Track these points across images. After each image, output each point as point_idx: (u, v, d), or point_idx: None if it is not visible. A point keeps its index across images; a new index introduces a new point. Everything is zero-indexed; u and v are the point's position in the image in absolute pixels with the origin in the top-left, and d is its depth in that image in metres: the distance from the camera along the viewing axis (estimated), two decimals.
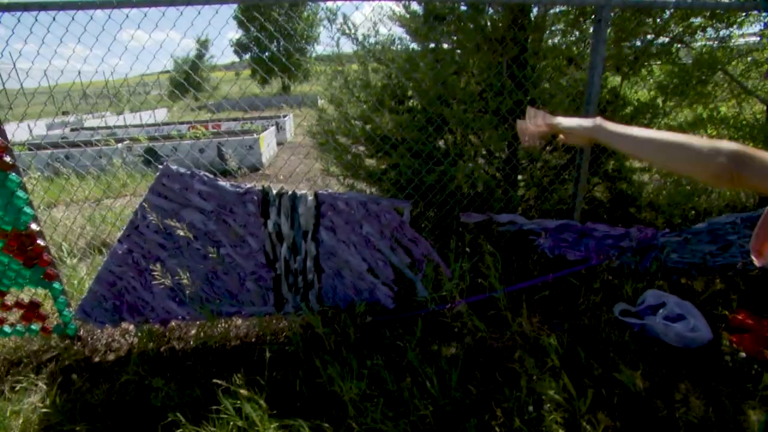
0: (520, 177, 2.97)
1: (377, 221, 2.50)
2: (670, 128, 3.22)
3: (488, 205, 2.85)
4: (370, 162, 3.31)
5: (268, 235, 2.38)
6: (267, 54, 23.21)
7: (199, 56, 26.52)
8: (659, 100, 3.00)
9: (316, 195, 2.38)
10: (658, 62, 3.02)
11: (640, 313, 2.70)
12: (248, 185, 2.31)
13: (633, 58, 2.72)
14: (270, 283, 2.48)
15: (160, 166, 2.27)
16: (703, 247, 3.11)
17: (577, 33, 2.74)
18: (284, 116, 11.35)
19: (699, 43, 3.32)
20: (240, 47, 27.76)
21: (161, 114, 18.35)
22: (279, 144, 10.14)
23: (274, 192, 2.33)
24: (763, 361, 2.33)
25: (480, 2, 2.46)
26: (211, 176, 2.27)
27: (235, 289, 2.46)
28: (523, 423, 1.89)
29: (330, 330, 2.38)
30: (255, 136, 7.98)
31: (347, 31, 2.79)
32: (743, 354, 2.39)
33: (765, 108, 3.55)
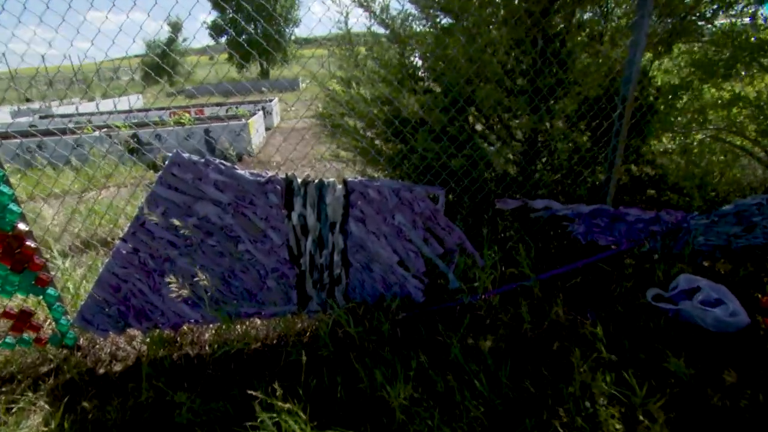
0: (550, 160, 2.82)
1: (410, 210, 2.31)
2: (702, 107, 3.13)
3: (518, 189, 2.71)
4: (379, 143, 3.11)
5: (292, 228, 2.17)
6: (244, 37, 22.32)
7: (171, 40, 25.35)
8: (694, 79, 2.89)
9: (345, 183, 2.17)
10: (690, 42, 2.90)
11: (674, 298, 2.62)
12: (270, 173, 2.08)
13: (668, 36, 2.58)
14: (293, 280, 2.27)
15: (150, 155, 2.01)
16: (728, 228, 3.06)
17: (623, 7, 2.57)
18: (271, 101, 10.91)
19: (721, 22, 3.22)
20: (215, 30, 26.60)
21: (135, 100, 17.48)
22: (267, 129, 9.75)
23: (299, 180, 2.11)
24: None
25: None
26: (228, 164, 2.03)
27: (255, 289, 2.25)
28: (583, 421, 1.78)
29: (363, 329, 2.21)
30: (243, 121, 7.60)
31: (363, 3, 2.54)
32: None
33: None
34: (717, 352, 2.28)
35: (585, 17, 2.64)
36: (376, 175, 3.28)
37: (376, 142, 3.07)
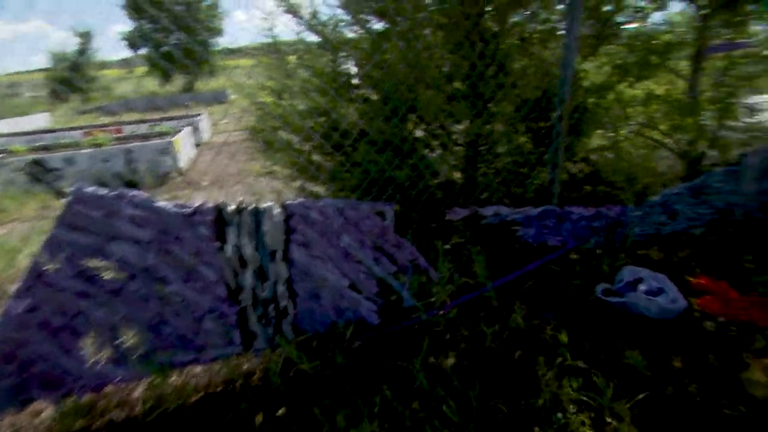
0: (494, 165, 2.81)
1: (357, 229, 2.16)
2: (621, 103, 3.30)
3: (467, 197, 2.66)
4: (317, 158, 2.94)
5: (227, 261, 1.93)
6: (165, 48, 20.98)
7: (81, 51, 23.22)
8: (614, 79, 3.02)
9: (284, 207, 1.97)
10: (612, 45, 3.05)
11: (620, 290, 2.70)
12: (197, 203, 1.83)
13: (594, 39, 2.68)
14: (234, 318, 2.03)
15: (60, 183, 1.70)
16: (657, 218, 3.25)
17: (549, 10, 2.61)
18: (198, 115, 10.24)
19: (634, 26, 3.44)
20: (132, 41, 24.72)
21: (41, 120, 15.70)
22: (196, 145, 9.12)
23: (232, 208, 1.88)
24: (740, 323, 2.45)
25: None
26: (146, 196, 1.76)
27: (191, 333, 1.98)
28: None
29: (318, 364, 2.02)
30: (168, 139, 7.02)
31: (291, 9, 2.37)
32: (722, 319, 2.49)
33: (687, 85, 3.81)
34: (663, 338, 2.36)
35: (516, 20, 2.67)
36: (316, 190, 3.10)
37: (314, 156, 2.89)
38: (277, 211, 1.96)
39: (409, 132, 2.72)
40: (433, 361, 2.23)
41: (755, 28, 3.72)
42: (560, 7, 2.87)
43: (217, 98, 17.92)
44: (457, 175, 2.82)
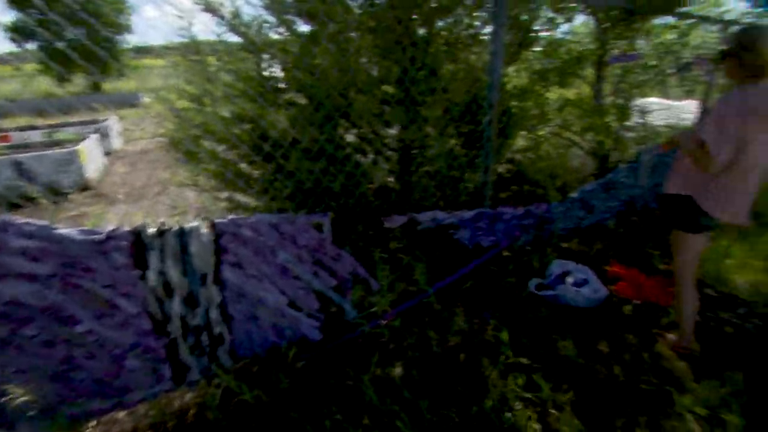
0: (428, 169, 2.84)
1: (294, 244, 2.05)
2: (540, 106, 3.52)
3: (403, 203, 2.66)
4: (246, 168, 2.77)
5: (150, 290, 1.72)
6: (59, 44, 18.65)
7: None
8: (533, 84, 3.22)
9: (213, 225, 1.81)
10: (531, 51, 3.23)
11: (551, 284, 2.87)
12: (110, 228, 1.61)
13: (517, 46, 2.82)
14: (162, 352, 1.82)
15: None
16: (577, 212, 3.52)
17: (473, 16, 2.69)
18: (104, 120, 9.23)
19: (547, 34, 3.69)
20: (18, 33, 21.61)
21: None
22: (106, 154, 8.20)
23: (153, 231, 1.68)
24: (650, 304, 2.72)
25: None
26: (42, 223, 1.50)
27: (110, 375, 1.74)
28: None
29: (260, 391, 1.88)
30: (72, 147, 6.22)
31: (211, 7, 2.19)
32: (637, 301, 2.75)
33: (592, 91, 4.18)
34: (590, 326, 2.55)
35: (443, 25, 2.72)
36: (246, 201, 2.91)
37: (243, 166, 2.71)
38: (205, 230, 1.79)
39: (342, 138, 2.66)
40: (381, 373, 2.19)
41: (640, 42, 4.18)
42: (483, 14, 2.99)
43: (128, 101, 16.23)
44: (393, 180, 2.82)
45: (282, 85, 2.73)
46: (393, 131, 2.89)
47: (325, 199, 2.35)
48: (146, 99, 15.55)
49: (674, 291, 2.25)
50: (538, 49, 3.52)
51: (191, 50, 2.60)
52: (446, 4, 2.41)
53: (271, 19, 2.73)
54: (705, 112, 2.14)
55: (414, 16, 2.35)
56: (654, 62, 3.99)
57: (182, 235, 1.74)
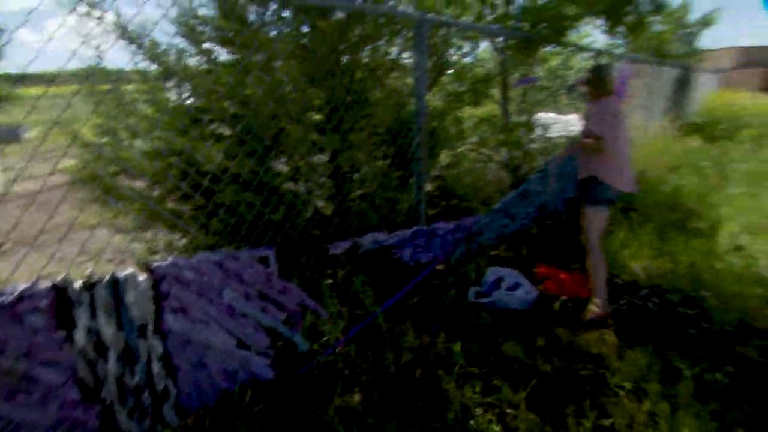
0: (365, 192, 2.89)
1: (239, 281, 1.95)
2: (459, 123, 3.80)
3: (345, 228, 2.67)
4: (174, 205, 2.59)
5: (79, 353, 1.51)
6: None
7: None
8: (451, 105, 3.48)
9: (150, 270, 1.65)
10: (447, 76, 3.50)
11: (487, 291, 3.07)
12: (23, 286, 1.39)
13: (437, 71, 3.03)
14: (95, 423, 1.59)
15: None
16: (501, 221, 3.82)
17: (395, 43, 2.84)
18: None
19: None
20: None
21: None
22: None
23: (79, 284, 1.49)
24: (574, 298, 3.03)
25: (322, 4, 2.20)
26: None
27: None
28: None
29: None
30: None
31: (127, 35, 2.04)
32: (564, 297, 3.05)
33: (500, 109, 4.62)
34: (528, 325, 2.76)
35: (369, 53, 2.83)
36: (172, 239, 2.70)
37: (170, 203, 2.52)
38: (141, 277, 1.62)
39: (278, 168, 2.61)
40: (341, 402, 2.14)
41: (536, 68, 4.76)
42: (401, 41, 3.18)
43: (7, 136, 13.49)
44: (332, 207, 2.82)
45: (210, 116, 2.61)
46: (326, 158, 2.91)
47: (269, 232, 2.28)
48: (32, 133, 13.48)
49: (589, 261, 2.79)
50: (451, 72, 3.82)
51: (101, 78, 2.38)
52: (371, 33, 2.53)
53: (189, 46, 2.62)
54: (585, 119, 2.76)
55: (341, 46, 2.42)
56: (547, 84, 4.55)
57: (115, 284, 1.56)
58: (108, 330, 1.56)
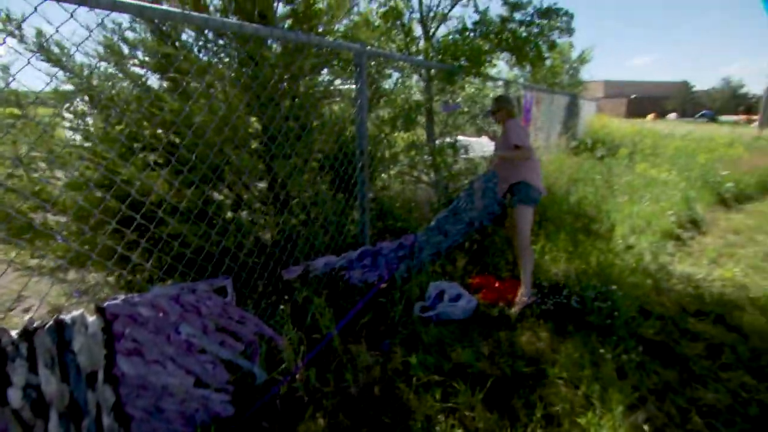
0: (314, 215, 2.91)
1: (197, 314, 1.86)
2: (391, 150, 4.00)
3: (297, 253, 2.66)
4: (106, 239, 2.38)
5: (12, 416, 1.33)
6: None
7: None
8: (385, 130, 3.67)
9: (101, 310, 1.51)
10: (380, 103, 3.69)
11: (432, 304, 3.23)
12: None
13: (372, 99, 3.19)
14: None
15: None
16: (437, 238, 4.05)
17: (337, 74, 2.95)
18: None
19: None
20: None
21: None
22: None
23: (14, 335, 1.32)
24: (508, 303, 3.31)
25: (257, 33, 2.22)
26: None
27: None
28: None
29: None
30: None
31: (56, 58, 1.88)
32: (501, 304, 3.31)
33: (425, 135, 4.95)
34: (472, 332, 2.96)
35: (310, 80, 2.91)
36: (102, 279, 2.46)
37: (102, 238, 2.31)
38: (91, 319, 1.48)
39: (222, 196, 2.54)
40: (306, 429, 2.11)
41: (456, 95, 5.20)
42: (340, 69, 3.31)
43: None
44: (284, 233, 2.80)
45: (142, 144, 2.47)
46: (274, 184, 2.89)
47: (227, 261, 2.20)
48: None
49: (519, 255, 3.27)
50: (384, 99, 4.04)
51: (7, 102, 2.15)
52: (315, 64, 2.62)
53: (114, 71, 2.48)
54: (502, 137, 3.33)
55: (285, 75, 2.47)
56: (467, 109, 5.00)
57: (60, 330, 1.41)
58: (50, 384, 1.40)
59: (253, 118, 2.68)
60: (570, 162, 8.33)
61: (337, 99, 3.11)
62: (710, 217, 5.99)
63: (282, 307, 2.48)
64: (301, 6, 2.63)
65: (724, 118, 46.55)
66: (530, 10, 4.19)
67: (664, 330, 2.99)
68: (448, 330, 2.97)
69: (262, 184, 2.93)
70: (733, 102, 50.19)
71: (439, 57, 3.97)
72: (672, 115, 49.42)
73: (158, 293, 1.69)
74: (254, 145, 2.75)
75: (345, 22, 3.78)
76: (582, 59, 13.24)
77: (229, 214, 2.53)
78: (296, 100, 2.73)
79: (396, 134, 4.05)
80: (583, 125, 14.97)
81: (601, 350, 2.61)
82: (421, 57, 3.90)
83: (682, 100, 54.32)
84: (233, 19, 2.47)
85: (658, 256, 4.26)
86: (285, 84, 2.53)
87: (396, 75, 4.24)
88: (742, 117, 41.31)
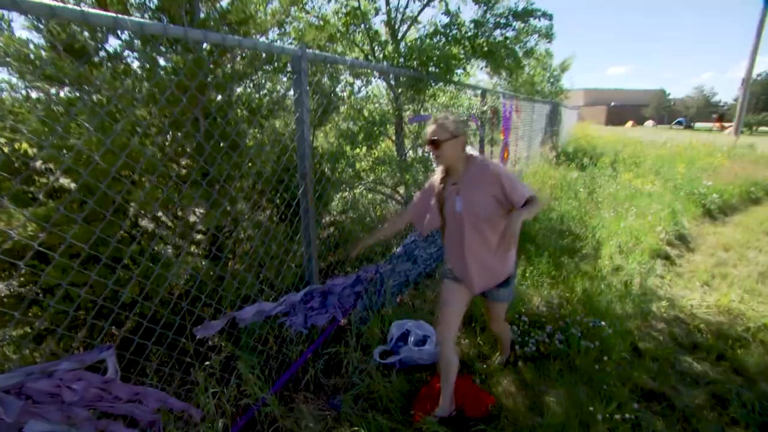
0: (245, 250, 2.44)
1: (58, 404, 1.38)
2: (353, 167, 3.56)
3: (220, 297, 2.19)
4: None
5: None
6: None
7: None
8: (347, 147, 3.23)
9: None
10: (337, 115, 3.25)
11: (394, 348, 2.78)
12: None
13: (322, 111, 2.76)
14: None
15: None
16: (404, 266, 3.62)
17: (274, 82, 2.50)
18: None
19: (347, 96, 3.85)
20: None
21: None
22: None
23: None
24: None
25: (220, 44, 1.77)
26: None
27: None
28: None
29: None
30: None
31: None
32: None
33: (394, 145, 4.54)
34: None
35: (242, 91, 2.46)
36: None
37: None
38: None
39: (133, 229, 2.06)
40: None
41: (428, 105, 4.81)
42: (284, 78, 2.87)
43: None
44: (209, 274, 2.32)
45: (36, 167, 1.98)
46: (198, 212, 2.42)
47: (124, 313, 1.72)
48: None
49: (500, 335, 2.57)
50: (342, 110, 3.62)
51: None
52: (245, 69, 2.18)
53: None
54: (466, 184, 2.70)
55: (212, 83, 2.02)
56: None
57: None
58: None
59: (176, 136, 2.21)
60: (552, 173, 8.03)
61: (282, 113, 2.66)
62: (697, 231, 5.70)
63: (200, 372, 2.00)
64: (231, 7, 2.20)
65: (699, 125, 47.78)
66: (504, 10, 3.82)
67: (661, 373, 2.60)
68: (413, 379, 2.54)
69: (198, 212, 2.46)
70: (706, 110, 51.60)
71: (406, 62, 3.57)
72: (649, 122, 50.51)
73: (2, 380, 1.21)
74: (176, 167, 2.29)
75: (295, 24, 3.37)
76: (563, 66, 13.11)
77: (138, 256, 2.04)
78: (229, 113, 2.28)
79: (357, 150, 3.62)
80: (565, 134, 14.84)
81: (590, 408, 2.20)
82: (385, 63, 3.49)
83: (658, 108, 55.59)
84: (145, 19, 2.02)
85: (647, 279, 3.90)
86: (211, 95, 2.07)
87: (358, 83, 3.82)
88: (716, 124, 42.38)
